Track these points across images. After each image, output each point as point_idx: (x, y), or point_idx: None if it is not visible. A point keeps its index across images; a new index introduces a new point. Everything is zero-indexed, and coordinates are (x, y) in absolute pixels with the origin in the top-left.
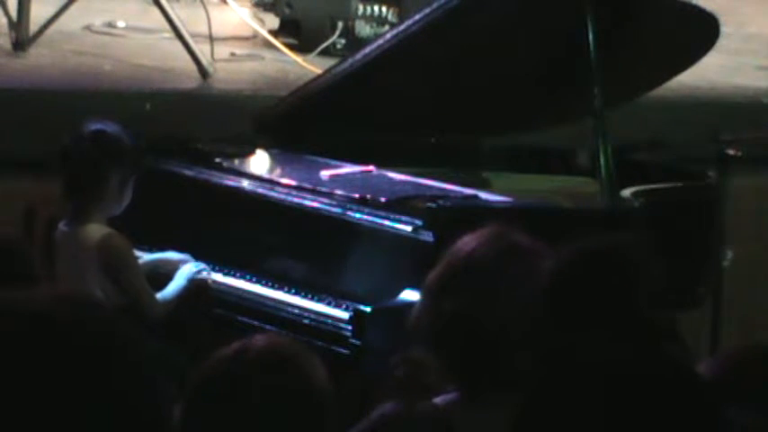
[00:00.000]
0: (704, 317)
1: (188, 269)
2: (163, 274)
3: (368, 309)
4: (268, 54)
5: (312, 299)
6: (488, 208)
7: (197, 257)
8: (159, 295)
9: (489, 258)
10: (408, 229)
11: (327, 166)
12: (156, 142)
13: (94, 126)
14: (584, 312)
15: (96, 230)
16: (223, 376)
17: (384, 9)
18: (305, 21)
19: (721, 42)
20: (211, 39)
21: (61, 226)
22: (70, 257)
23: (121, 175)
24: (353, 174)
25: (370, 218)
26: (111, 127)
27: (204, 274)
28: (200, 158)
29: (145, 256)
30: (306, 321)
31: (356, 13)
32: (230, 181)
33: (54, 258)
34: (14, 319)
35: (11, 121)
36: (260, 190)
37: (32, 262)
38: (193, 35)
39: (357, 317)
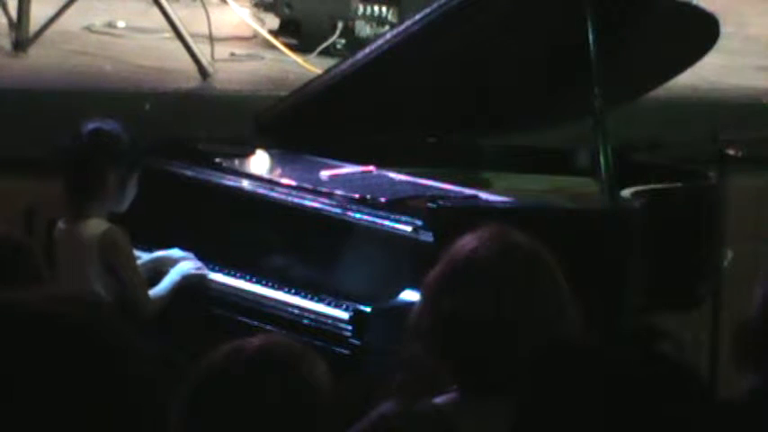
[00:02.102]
0: (704, 317)
1: (184, 266)
2: (163, 273)
3: (368, 309)
4: (268, 54)
5: (312, 299)
6: (488, 208)
7: (197, 257)
8: (152, 292)
9: (489, 258)
10: (408, 229)
11: (327, 166)
12: (156, 142)
13: (92, 124)
14: None
15: (97, 225)
16: (218, 376)
17: (384, 9)
18: (305, 21)
19: (721, 42)
20: (211, 39)
21: (61, 224)
22: (71, 254)
23: (120, 172)
24: (353, 174)
25: (370, 218)
26: (108, 125)
27: (201, 271)
28: (200, 158)
29: (145, 256)
30: (306, 321)
31: (356, 13)
32: (230, 181)
33: (55, 257)
34: (16, 319)
35: (11, 121)
36: (260, 190)
37: (36, 262)
38: (193, 35)
39: (357, 317)
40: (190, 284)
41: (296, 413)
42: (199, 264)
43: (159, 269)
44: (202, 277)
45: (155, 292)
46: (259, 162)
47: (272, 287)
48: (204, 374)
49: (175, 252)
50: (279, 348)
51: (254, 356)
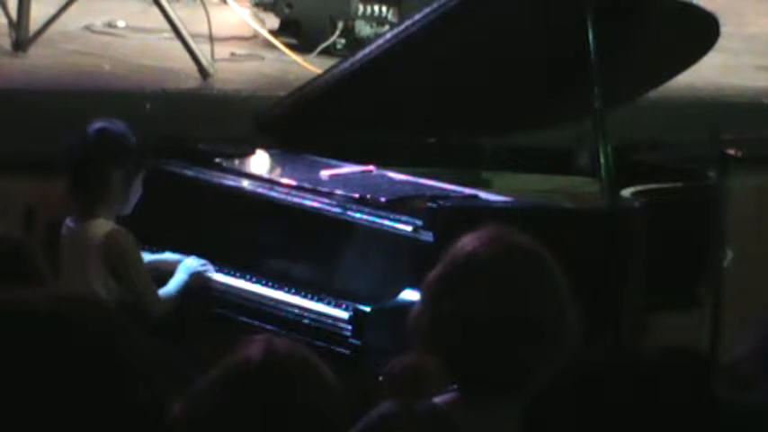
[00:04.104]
0: (704, 317)
1: (190, 263)
2: (165, 272)
3: (368, 309)
4: (268, 54)
5: (312, 299)
6: (488, 208)
7: (197, 257)
8: (161, 291)
9: (489, 259)
10: (408, 229)
11: (327, 166)
12: (156, 142)
13: (97, 124)
14: None
15: (102, 226)
16: (249, 382)
17: (384, 9)
18: (305, 21)
19: (721, 42)
20: (211, 39)
21: (68, 222)
22: (75, 253)
23: (124, 172)
24: (353, 174)
25: (370, 218)
26: (114, 125)
27: (206, 268)
28: (200, 158)
29: (145, 257)
30: (306, 321)
31: (356, 13)
32: (230, 181)
33: (56, 258)
34: (17, 318)
35: (11, 121)
36: (260, 190)
37: (38, 262)
38: (193, 35)
39: (357, 317)
40: (195, 282)
41: (322, 424)
42: (203, 261)
43: (157, 271)
44: (208, 276)
45: (164, 291)
46: (259, 162)
47: (273, 287)
48: (228, 377)
49: (170, 256)
50: (305, 359)
51: (287, 359)
